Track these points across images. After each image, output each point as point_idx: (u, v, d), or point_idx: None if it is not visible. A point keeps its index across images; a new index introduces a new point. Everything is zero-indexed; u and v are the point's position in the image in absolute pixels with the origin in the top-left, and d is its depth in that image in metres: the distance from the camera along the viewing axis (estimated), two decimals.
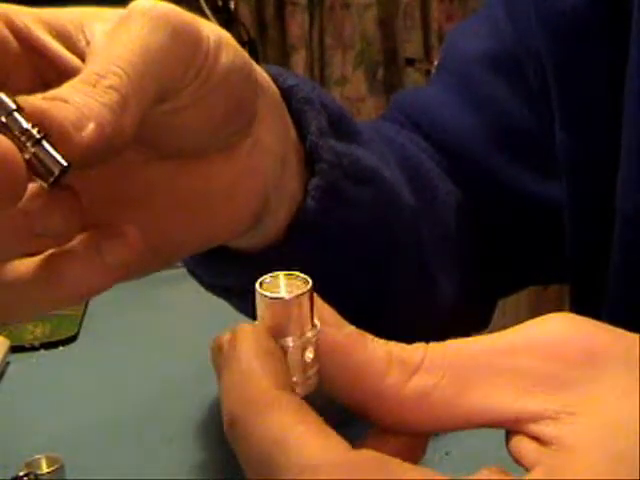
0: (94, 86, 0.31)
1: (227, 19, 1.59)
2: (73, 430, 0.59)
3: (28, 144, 0.29)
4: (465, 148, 0.60)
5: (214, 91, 0.37)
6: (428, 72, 2.13)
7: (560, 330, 0.29)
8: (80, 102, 0.31)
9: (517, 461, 0.28)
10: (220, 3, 1.57)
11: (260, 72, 0.42)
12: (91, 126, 0.30)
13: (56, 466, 0.53)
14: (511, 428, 0.28)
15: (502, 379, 0.28)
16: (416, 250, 0.53)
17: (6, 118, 0.29)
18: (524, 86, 0.58)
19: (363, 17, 2.19)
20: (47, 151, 0.30)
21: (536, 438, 0.27)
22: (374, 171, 0.49)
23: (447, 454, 0.54)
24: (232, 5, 1.64)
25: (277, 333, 0.29)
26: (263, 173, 0.42)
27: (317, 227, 0.46)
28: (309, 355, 0.29)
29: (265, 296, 0.28)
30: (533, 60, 0.56)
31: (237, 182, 0.42)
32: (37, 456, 0.53)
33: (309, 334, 0.29)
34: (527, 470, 0.27)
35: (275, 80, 0.44)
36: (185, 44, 0.35)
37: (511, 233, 0.61)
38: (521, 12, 0.57)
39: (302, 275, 0.29)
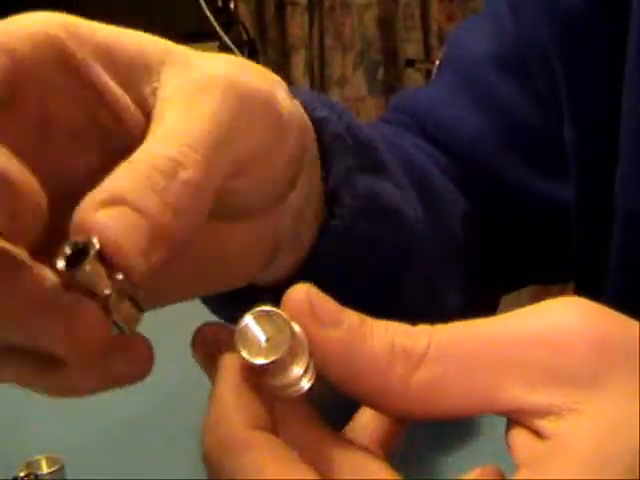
0: (172, 178, 0.29)
1: (227, 19, 1.59)
2: (73, 430, 0.59)
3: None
4: (471, 148, 0.60)
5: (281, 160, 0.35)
6: (428, 72, 2.13)
7: (571, 321, 0.28)
8: (154, 213, 0.28)
9: (511, 453, 0.28)
10: (220, 3, 1.57)
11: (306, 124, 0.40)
12: (163, 246, 0.28)
13: (56, 466, 0.53)
14: (514, 418, 0.28)
15: (509, 370, 0.28)
16: (424, 275, 0.53)
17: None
18: (530, 85, 0.58)
19: (363, 17, 2.19)
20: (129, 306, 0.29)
21: (536, 432, 0.27)
22: (393, 208, 0.47)
23: (447, 454, 0.54)
24: (232, 5, 1.64)
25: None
26: (282, 232, 0.41)
27: (327, 267, 0.44)
28: (301, 369, 0.29)
29: (245, 359, 0.28)
30: (539, 56, 0.56)
31: (256, 242, 0.40)
32: (37, 456, 0.53)
33: (298, 370, 0.29)
34: (516, 466, 0.27)
35: (305, 109, 0.41)
36: (264, 121, 0.33)
37: (515, 232, 0.61)
38: (524, 6, 0.57)
39: (280, 314, 0.28)
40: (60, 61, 0.31)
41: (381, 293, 0.49)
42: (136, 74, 0.33)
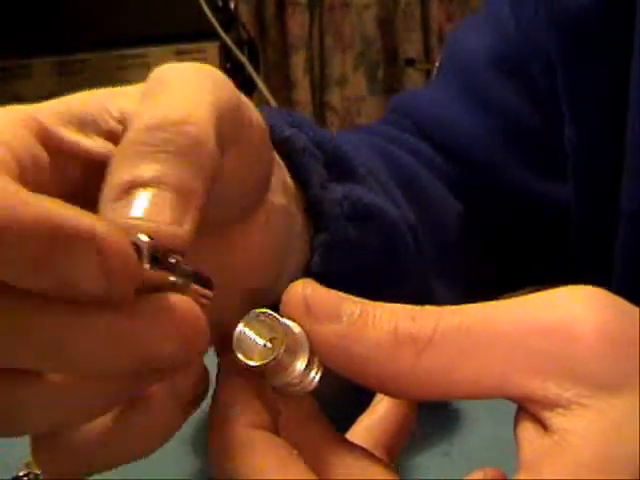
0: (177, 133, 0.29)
1: (227, 19, 1.59)
2: None
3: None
4: (469, 149, 0.60)
5: (250, 156, 0.35)
6: (428, 72, 2.13)
7: (588, 312, 0.27)
8: (172, 180, 0.28)
9: (517, 447, 0.28)
10: (220, 3, 1.57)
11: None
12: (192, 206, 0.28)
13: None
14: (523, 407, 0.28)
15: (519, 357, 0.27)
16: (418, 273, 0.52)
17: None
18: (529, 85, 0.58)
19: (363, 17, 2.20)
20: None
21: (543, 424, 0.27)
22: (375, 208, 0.47)
23: (447, 454, 0.54)
24: (232, 5, 1.64)
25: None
26: (279, 235, 0.40)
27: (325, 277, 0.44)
28: (302, 366, 0.29)
29: (242, 362, 0.29)
30: (540, 57, 0.56)
31: (258, 249, 0.39)
32: None
33: (300, 366, 0.29)
34: (518, 462, 0.27)
35: (272, 131, 0.41)
36: (230, 95, 0.33)
37: (513, 233, 0.61)
38: (526, 8, 0.57)
39: (276, 317, 0.29)
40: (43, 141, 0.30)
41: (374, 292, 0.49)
42: (96, 117, 0.32)
